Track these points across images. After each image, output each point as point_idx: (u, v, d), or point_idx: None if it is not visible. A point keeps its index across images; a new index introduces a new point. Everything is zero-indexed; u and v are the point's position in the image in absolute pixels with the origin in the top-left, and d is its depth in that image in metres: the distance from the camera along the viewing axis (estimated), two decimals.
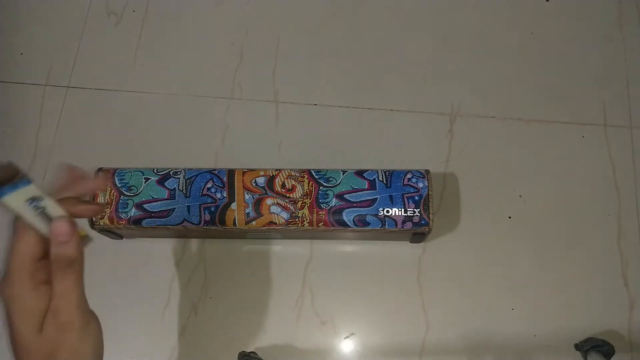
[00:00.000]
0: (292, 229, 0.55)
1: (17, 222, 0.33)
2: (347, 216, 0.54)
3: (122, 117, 0.72)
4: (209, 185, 0.56)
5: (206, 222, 0.55)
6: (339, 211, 0.54)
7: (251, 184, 0.55)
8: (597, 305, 0.63)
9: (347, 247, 0.65)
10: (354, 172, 0.56)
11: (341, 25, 0.76)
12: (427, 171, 0.56)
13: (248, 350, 0.60)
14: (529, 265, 0.64)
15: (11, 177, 0.32)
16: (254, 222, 0.55)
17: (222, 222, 0.55)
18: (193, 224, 0.56)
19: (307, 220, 0.54)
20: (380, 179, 0.56)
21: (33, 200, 0.33)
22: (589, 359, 0.58)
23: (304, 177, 0.56)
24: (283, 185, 0.55)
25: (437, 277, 0.64)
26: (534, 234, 0.65)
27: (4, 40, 0.77)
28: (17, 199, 0.32)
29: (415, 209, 0.54)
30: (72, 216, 0.34)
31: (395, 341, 0.62)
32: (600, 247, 0.65)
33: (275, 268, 0.65)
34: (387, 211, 0.54)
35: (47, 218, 0.33)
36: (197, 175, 0.56)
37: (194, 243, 0.66)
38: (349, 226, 0.54)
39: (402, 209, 0.54)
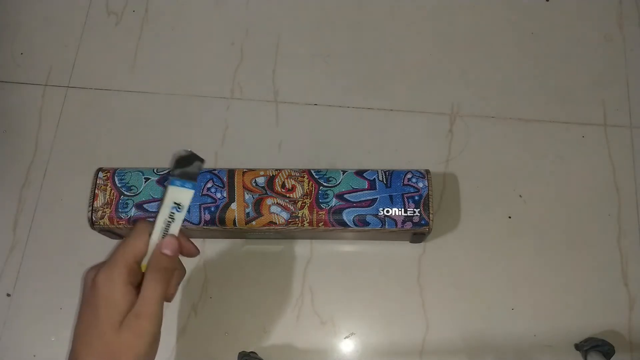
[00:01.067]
0: (292, 229, 0.55)
1: (139, 223, 0.38)
2: (347, 216, 0.54)
3: (122, 117, 0.72)
4: (208, 185, 0.56)
5: (206, 222, 0.55)
6: (339, 211, 0.54)
7: (251, 184, 0.55)
8: (597, 305, 0.63)
9: (347, 247, 0.65)
10: (354, 172, 0.56)
11: (341, 25, 0.76)
12: (427, 171, 0.56)
13: (248, 350, 0.60)
14: (529, 265, 0.64)
15: (193, 176, 0.38)
16: (254, 222, 0.55)
17: (222, 222, 0.55)
18: (193, 224, 0.55)
19: (307, 220, 0.54)
20: (380, 179, 0.55)
21: (177, 206, 0.37)
22: (589, 359, 0.58)
23: (304, 177, 0.56)
24: (283, 185, 0.55)
25: (437, 277, 0.64)
26: (534, 234, 0.65)
27: (3, 40, 0.77)
28: (174, 195, 0.37)
29: (415, 209, 0.54)
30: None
31: (395, 341, 0.62)
32: (600, 247, 0.65)
33: (275, 268, 0.65)
34: (387, 211, 0.54)
35: (166, 229, 0.37)
36: None
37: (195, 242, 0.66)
38: (349, 226, 0.54)
39: (402, 209, 0.54)
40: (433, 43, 0.75)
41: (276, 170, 0.56)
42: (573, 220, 0.66)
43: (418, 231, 0.56)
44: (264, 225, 0.55)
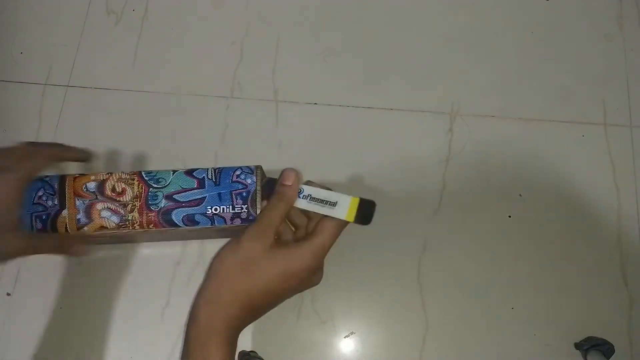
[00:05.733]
0: (124, 232, 0.54)
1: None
2: (176, 216, 0.53)
3: (122, 116, 0.72)
4: (40, 193, 0.54)
5: (39, 230, 0.54)
6: (168, 212, 0.53)
7: (82, 190, 0.54)
8: (597, 305, 0.63)
9: (347, 247, 0.65)
10: (184, 172, 0.55)
11: (341, 24, 0.76)
12: (257, 167, 0.55)
13: (248, 350, 0.60)
14: (529, 265, 0.64)
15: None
16: (85, 228, 0.53)
17: (54, 229, 0.53)
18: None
19: (137, 222, 0.53)
20: (210, 177, 0.55)
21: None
22: (589, 358, 0.59)
23: (134, 179, 0.54)
24: (113, 189, 0.54)
25: (437, 277, 0.64)
26: (534, 234, 0.65)
27: (3, 39, 0.77)
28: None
29: (242, 205, 0.53)
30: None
31: (395, 340, 0.62)
32: (600, 246, 0.65)
33: None
34: (216, 209, 0.53)
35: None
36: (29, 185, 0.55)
37: (194, 243, 0.66)
38: (178, 226, 0.53)
39: (230, 206, 0.54)
40: (433, 42, 0.75)
41: (107, 173, 0.54)
42: (573, 220, 0.66)
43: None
44: (96, 230, 0.53)
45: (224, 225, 0.54)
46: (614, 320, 0.62)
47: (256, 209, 0.53)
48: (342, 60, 0.74)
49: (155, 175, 0.54)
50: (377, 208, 0.47)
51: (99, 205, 0.53)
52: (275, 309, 0.63)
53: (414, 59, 0.74)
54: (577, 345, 0.61)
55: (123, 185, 0.54)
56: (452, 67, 0.73)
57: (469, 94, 0.72)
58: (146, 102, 0.73)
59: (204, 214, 0.53)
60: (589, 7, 0.76)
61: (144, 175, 0.54)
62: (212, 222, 0.53)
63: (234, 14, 0.77)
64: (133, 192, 0.54)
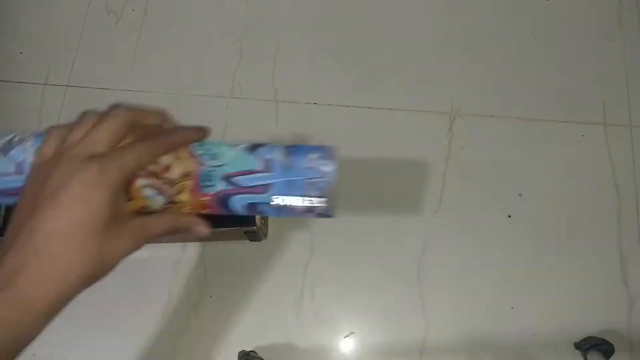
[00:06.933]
0: None
1: None
2: (237, 203, 0.42)
3: None
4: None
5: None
6: (226, 197, 0.42)
7: None
8: (597, 305, 0.63)
9: (348, 247, 0.65)
10: (246, 148, 0.43)
11: (341, 24, 0.76)
12: (333, 149, 0.42)
13: (248, 350, 0.60)
14: (529, 265, 0.64)
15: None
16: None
17: None
18: None
19: (187, 205, 0.43)
20: (278, 158, 0.42)
21: None
22: (589, 358, 0.58)
23: (184, 153, 0.43)
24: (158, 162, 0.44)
25: (437, 277, 0.64)
26: (533, 233, 0.65)
27: (3, 39, 0.76)
28: None
29: (319, 198, 0.40)
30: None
31: (395, 340, 0.62)
32: (600, 246, 0.65)
33: (276, 267, 0.64)
34: (283, 200, 0.43)
35: None
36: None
37: (194, 244, 0.66)
38: (239, 214, 0.45)
39: (303, 198, 0.42)
40: (433, 42, 0.75)
41: None
42: (573, 219, 0.66)
43: (250, 230, 0.53)
44: (135, 211, 0.43)
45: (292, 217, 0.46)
46: (614, 320, 0.62)
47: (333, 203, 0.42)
48: (342, 60, 0.74)
49: (209, 150, 0.43)
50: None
51: (141, 182, 0.41)
52: (276, 309, 0.63)
53: (413, 59, 0.74)
54: (577, 345, 0.60)
55: (170, 159, 0.42)
56: (452, 67, 0.73)
57: (469, 94, 0.72)
58: (145, 102, 0.72)
59: (269, 204, 0.43)
60: (589, 7, 0.76)
61: (196, 149, 0.43)
62: (279, 214, 0.44)
63: (234, 13, 0.77)
64: (182, 169, 0.42)
